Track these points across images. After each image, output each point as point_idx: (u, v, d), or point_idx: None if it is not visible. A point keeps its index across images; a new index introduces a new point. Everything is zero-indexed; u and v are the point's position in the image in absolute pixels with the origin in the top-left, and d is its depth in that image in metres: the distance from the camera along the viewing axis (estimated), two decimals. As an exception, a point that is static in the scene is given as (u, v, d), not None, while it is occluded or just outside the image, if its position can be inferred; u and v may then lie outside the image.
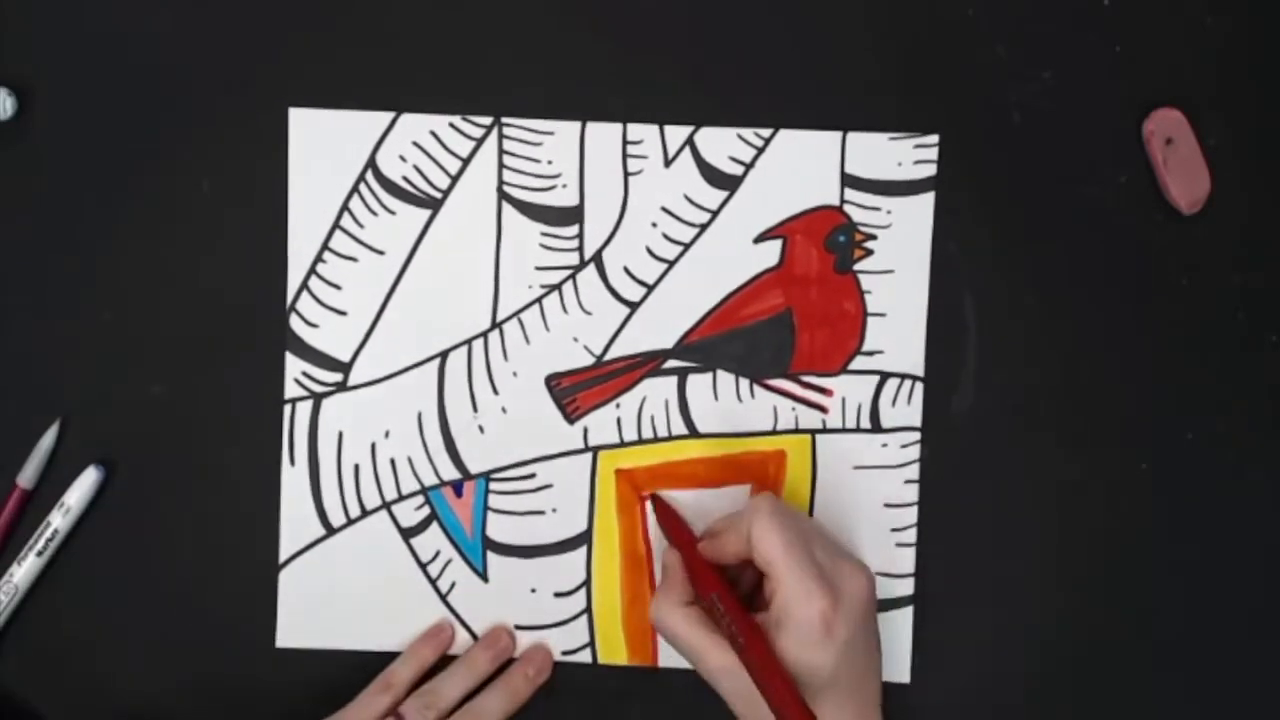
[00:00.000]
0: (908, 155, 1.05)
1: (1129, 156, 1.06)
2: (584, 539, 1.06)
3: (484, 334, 1.05)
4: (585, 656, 1.06)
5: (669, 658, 1.05)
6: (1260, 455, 1.07)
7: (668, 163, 1.05)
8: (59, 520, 1.04)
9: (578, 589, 1.06)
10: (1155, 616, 1.06)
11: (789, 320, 1.05)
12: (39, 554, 1.03)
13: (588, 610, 1.06)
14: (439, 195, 1.05)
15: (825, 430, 1.05)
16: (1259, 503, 1.07)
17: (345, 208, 1.05)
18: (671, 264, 1.05)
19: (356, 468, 1.06)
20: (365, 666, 1.04)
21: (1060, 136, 1.06)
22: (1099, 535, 1.06)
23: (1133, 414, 1.06)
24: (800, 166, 1.05)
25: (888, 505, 1.06)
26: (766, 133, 1.04)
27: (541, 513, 1.06)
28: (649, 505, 1.05)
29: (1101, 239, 1.06)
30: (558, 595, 1.06)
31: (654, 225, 1.05)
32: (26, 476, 1.04)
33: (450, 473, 1.06)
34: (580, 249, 1.05)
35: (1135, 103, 1.06)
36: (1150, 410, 1.06)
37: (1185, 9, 1.06)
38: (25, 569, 1.04)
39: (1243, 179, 1.06)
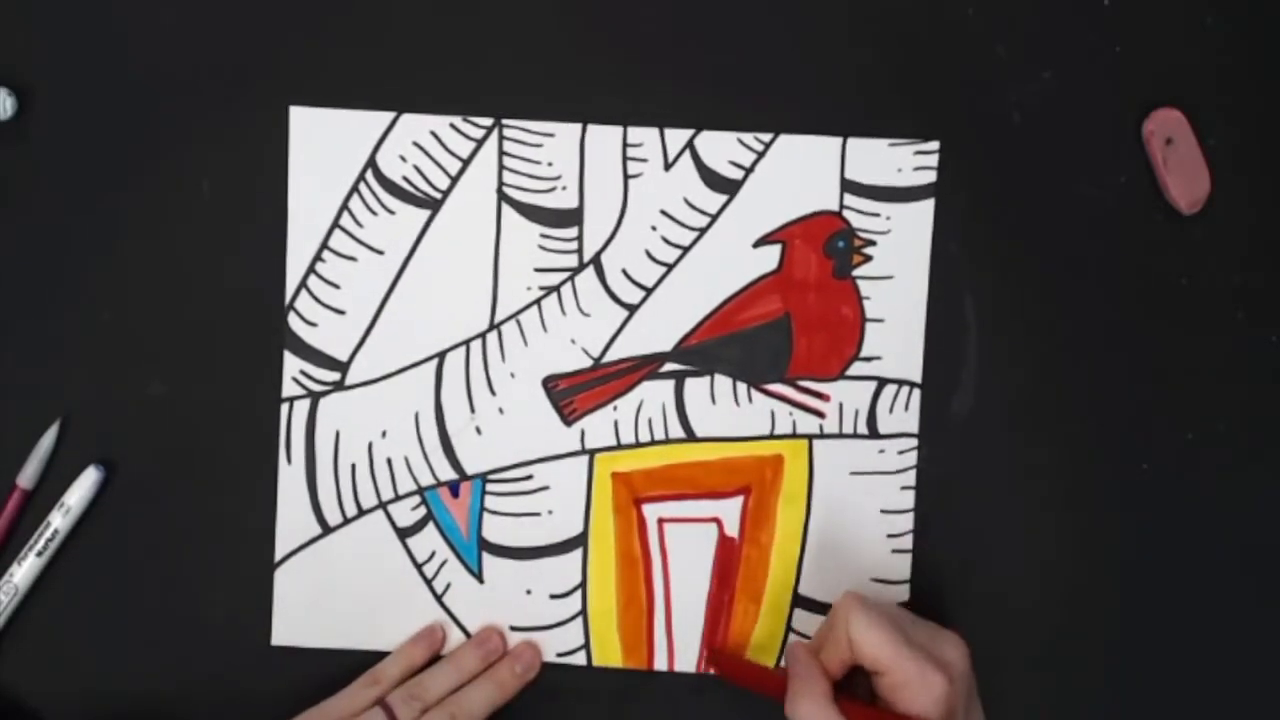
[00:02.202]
0: (908, 162, 1.05)
1: (1129, 156, 1.06)
2: (580, 541, 1.06)
3: (482, 335, 1.05)
4: (580, 659, 1.06)
5: (664, 660, 1.06)
6: (1260, 455, 1.07)
7: (668, 166, 1.05)
8: (59, 520, 1.04)
9: (573, 591, 1.06)
10: (1155, 617, 1.07)
11: (787, 325, 1.05)
12: (39, 554, 1.04)
13: (583, 613, 1.06)
14: (439, 196, 1.05)
15: (822, 435, 1.06)
16: (1259, 503, 1.07)
17: (345, 207, 1.05)
18: (670, 267, 1.05)
19: (353, 467, 1.06)
20: (360, 666, 1.04)
21: (1060, 136, 1.06)
22: (1099, 537, 1.06)
23: (1133, 415, 1.06)
24: (800, 171, 1.05)
25: (884, 511, 1.06)
26: (767, 137, 1.05)
27: (538, 514, 1.06)
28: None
29: (1101, 239, 1.06)
30: (553, 597, 1.06)
31: (653, 228, 1.05)
32: (26, 476, 1.04)
33: (447, 473, 1.06)
34: (579, 251, 1.05)
35: (1135, 103, 1.06)
36: (1150, 410, 1.06)
37: (1185, 9, 1.06)
38: (25, 569, 1.04)
39: (1243, 179, 1.06)
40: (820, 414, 1.06)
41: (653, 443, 1.06)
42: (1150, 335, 1.06)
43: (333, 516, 1.06)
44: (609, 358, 1.05)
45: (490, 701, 1.03)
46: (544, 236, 1.05)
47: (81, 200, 1.05)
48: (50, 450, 1.05)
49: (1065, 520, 1.06)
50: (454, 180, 1.05)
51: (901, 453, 1.05)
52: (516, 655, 1.05)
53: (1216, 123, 1.06)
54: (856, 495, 1.06)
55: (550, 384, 1.06)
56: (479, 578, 1.06)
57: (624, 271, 1.05)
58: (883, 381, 1.05)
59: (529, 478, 1.06)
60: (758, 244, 1.05)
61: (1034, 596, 1.06)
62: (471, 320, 1.05)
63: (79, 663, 1.06)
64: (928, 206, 1.05)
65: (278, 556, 1.06)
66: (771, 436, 1.06)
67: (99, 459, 1.05)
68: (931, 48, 1.05)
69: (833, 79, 1.05)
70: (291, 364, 1.06)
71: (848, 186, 1.05)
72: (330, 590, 1.06)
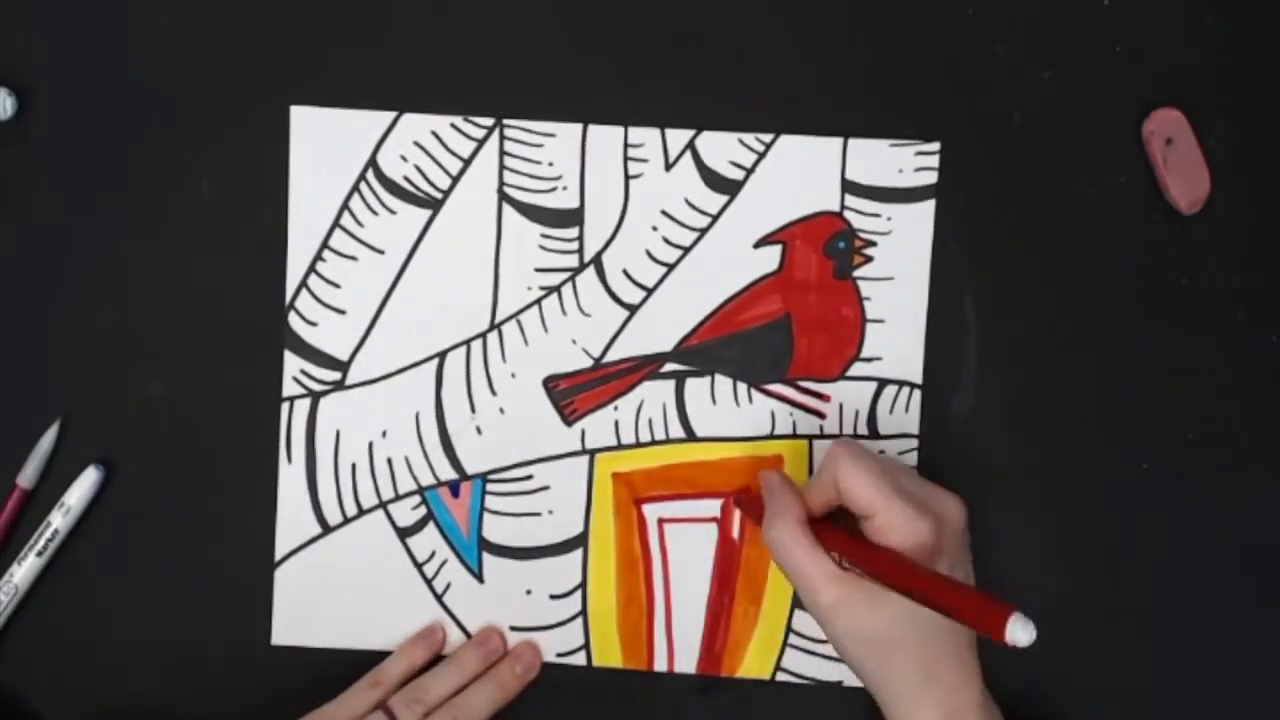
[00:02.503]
0: (909, 162, 1.05)
1: (1129, 156, 1.06)
2: (580, 541, 1.06)
3: (483, 335, 1.05)
4: (580, 659, 1.06)
5: (664, 661, 1.06)
6: (1260, 455, 1.07)
7: (668, 166, 1.05)
8: (59, 520, 1.04)
9: (573, 591, 1.06)
10: (1155, 617, 1.07)
11: (788, 325, 1.05)
12: (39, 554, 1.04)
13: (583, 613, 1.06)
14: (439, 195, 1.05)
15: (823, 436, 1.06)
16: (1259, 503, 1.07)
17: (346, 206, 1.05)
18: (671, 267, 1.05)
19: (354, 466, 1.06)
20: (360, 665, 1.04)
21: (1060, 136, 1.06)
22: (1099, 536, 1.06)
23: (1133, 414, 1.06)
24: (801, 172, 1.05)
25: (884, 511, 1.05)
26: (767, 138, 1.04)
27: (538, 514, 1.06)
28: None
29: (1101, 239, 1.06)
30: (553, 597, 1.06)
31: (654, 229, 1.05)
32: (26, 476, 1.04)
33: (447, 473, 1.06)
34: (580, 251, 1.05)
35: (1135, 103, 1.05)
36: (1150, 410, 1.06)
37: (1185, 9, 1.06)
38: (25, 569, 1.04)
39: (1243, 179, 1.06)
40: (820, 414, 1.06)
41: (653, 443, 1.06)
42: (1150, 335, 1.06)
43: (333, 516, 1.06)
44: (610, 358, 1.05)
45: (492, 703, 1.04)
46: (545, 236, 1.05)
47: (81, 200, 1.05)
48: (50, 450, 1.05)
49: (1065, 520, 1.06)
50: (455, 180, 1.05)
51: (902, 453, 1.05)
52: (517, 655, 1.06)
53: (1216, 123, 1.06)
54: (857, 495, 1.05)
55: (551, 384, 1.06)
56: (479, 577, 1.06)
57: (625, 272, 1.05)
58: (883, 382, 1.05)
59: (529, 478, 1.06)
60: (758, 244, 1.05)
61: (1034, 596, 1.06)
62: (472, 320, 1.05)
63: (79, 663, 1.06)
64: (928, 207, 1.05)
65: (278, 556, 1.06)
66: (772, 437, 1.06)
67: (99, 459, 1.05)
68: (931, 48, 1.05)
69: (833, 79, 1.05)
70: (292, 363, 1.06)
71: (848, 187, 1.05)
72: (330, 590, 1.06)
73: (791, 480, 0.97)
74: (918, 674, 0.91)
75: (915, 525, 0.90)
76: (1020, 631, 0.77)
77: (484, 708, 1.03)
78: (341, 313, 1.06)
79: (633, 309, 1.05)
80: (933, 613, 0.87)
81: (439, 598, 1.06)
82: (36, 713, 1.06)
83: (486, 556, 1.06)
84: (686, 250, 1.05)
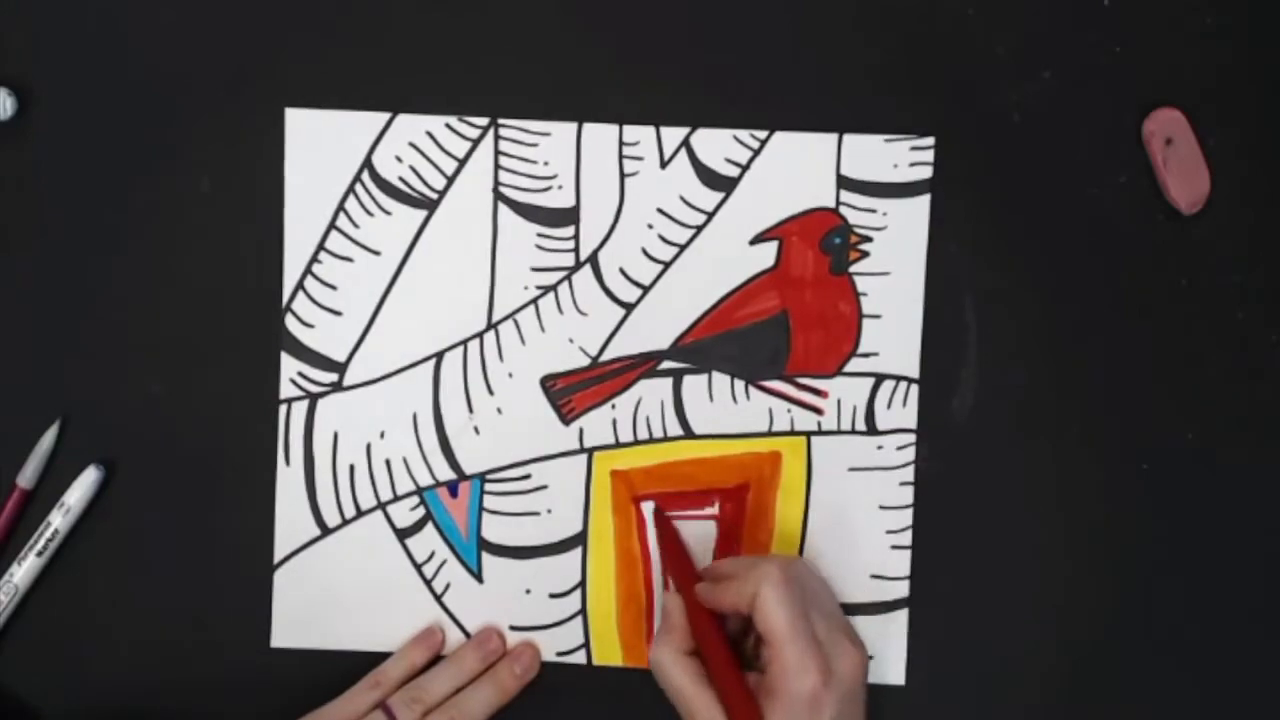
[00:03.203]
0: (904, 157, 1.04)
1: (1129, 156, 1.05)
2: (579, 540, 1.06)
3: (480, 335, 1.05)
4: (580, 658, 1.06)
5: (663, 660, 1.06)
6: (1260, 455, 1.07)
7: (664, 164, 1.05)
8: (59, 520, 1.04)
9: (572, 590, 1.06)
10: (1155, 617, 1.06)
11: (784, 322, 1.05)
12: (39, 554, 1.04)
13: (582, 612, 1.06)
14: (435, 196, 1.05)
15: (821, 432, 1.05)
16: (1259, 503, 1.07)
17: (341, 208, 1.05)
18: (667, 265, 1.05)
19: (352, 468, 1.06)
20: (360, 667, 1.04)
21: (1060, 136, 1.06)
22: (1099, 536, 1.06)
23: (1132, 414, 1.06)
24: (796, 168, 1.05)
25: (883, 507, 1.05)
26: (763, 134, 1.04)
27: (537, 514, 1.06)
28: (649, 518, 1.06)
29: (1101, 239, 1.05)
30: (552, 596, 1.06)
31: (650, 227, 1.05)
32: (26, 476, 1.04)
33: (445, 473, 1.06)
34: (576, 250, 1.05)
35: (1135, 103, 1.05)
36: (1150, 410, 1.06)
37: (1185, 9, 1.06)
38: (25, 569, 1.04)
39: (1243, 179, 1.06)
40: (818, 410, 1.05)
41: (651, 440, 1.06)
42: (1150, 335, 1.06)
43: (331, 518, 1.06)
44: (607, 356, 1.05)
45: (490, 704, 1.03)
46: (541, 236, 1.05)
47: (81, 200, 1.05)
48: (50, 450, 1.05)
49: (1065, 520, 1.06)
50: (450, 180, 1.05)
51: (900, 448, 1.05)
52: (516, 656, 1.05)
53: (1216, 123, 1.05)
54: (855, 492, 1.05)
55: (548, 383, 1.06)
56: (478, 577, 1.06)
57: (621, 270, 1.05)
58: (880, 377, 1.05)
59: (527, 477, 1.06)
60: (754, 241, 1.05)
61: (1033, 595, 1.06)
62: (469, 320, 1.05)
63: (79, 663, 1.06)
64: (924, 202, 1.05)
65: (277, 558, 1.06)
66: (769, 434, 1.06)
67: (99, 459, 1.05)
68: (931, 47, 1.05)
69: (831, 79, 1.05)
70: (289, 365, 1.06)
71: (844, 183, 1.04)
72: (329, 591, 1.06)
73: (684, 613, 0.98)
74: None
75: (803, 674, 0.91)
76: None
77: (482, 708, 1.03)
78: (338, 314, 1.06)
79: (629, 307, 1.05)
80: None
81: (438, 598, 1.06)
82: (36, 713, 1.06)
83: (486, 556, 1.06)
84: (683, 248, 1.05)
